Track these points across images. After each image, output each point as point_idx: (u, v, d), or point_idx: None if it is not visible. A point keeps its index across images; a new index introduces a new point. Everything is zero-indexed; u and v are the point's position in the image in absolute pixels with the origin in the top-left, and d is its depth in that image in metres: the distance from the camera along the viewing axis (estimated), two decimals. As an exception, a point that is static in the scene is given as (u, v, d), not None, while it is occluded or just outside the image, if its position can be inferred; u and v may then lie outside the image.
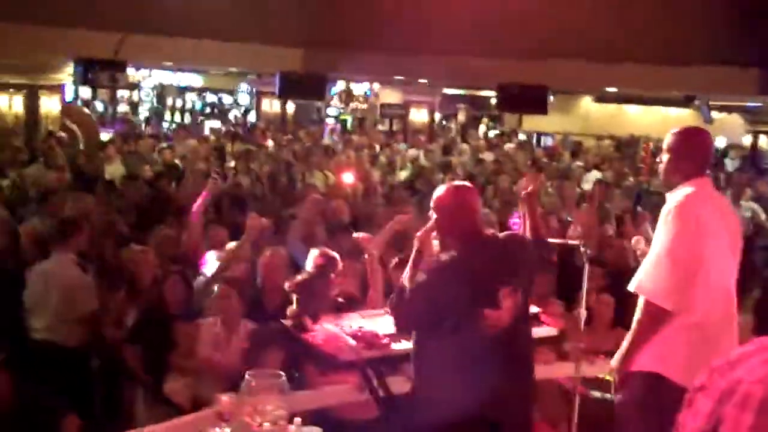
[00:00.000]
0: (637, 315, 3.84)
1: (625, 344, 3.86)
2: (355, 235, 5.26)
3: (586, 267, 4.51)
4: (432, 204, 3.72)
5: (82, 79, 11.96)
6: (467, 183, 4.02)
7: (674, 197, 3.86)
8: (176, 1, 11.35)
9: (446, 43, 11.62)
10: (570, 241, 5.60)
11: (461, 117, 25.20)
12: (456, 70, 13.01)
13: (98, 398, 6.27)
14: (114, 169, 11.06)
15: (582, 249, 4.48)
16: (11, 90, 13.83)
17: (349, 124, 24.79)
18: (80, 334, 6.11)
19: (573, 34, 11.30)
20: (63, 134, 13.55)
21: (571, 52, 11.45)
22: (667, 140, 4.04)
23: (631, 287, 3.88)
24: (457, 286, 3.53)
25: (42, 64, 13.45)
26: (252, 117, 24.79)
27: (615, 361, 3.90)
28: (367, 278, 5.24)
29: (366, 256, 5.15)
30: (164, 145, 14.15)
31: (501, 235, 3.90)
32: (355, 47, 11.71)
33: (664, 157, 4.01)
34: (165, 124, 23.01)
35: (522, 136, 20.76)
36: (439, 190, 3.77)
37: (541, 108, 11.94)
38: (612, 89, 16.72)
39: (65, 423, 4.48)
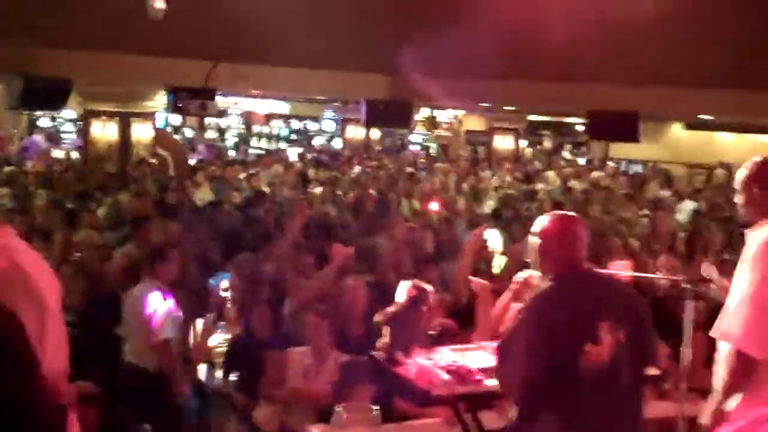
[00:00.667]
0: (726, 364, 3.60)
1: (714, 398, 3.64)
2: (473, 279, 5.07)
3: (689, 303, 4.30)
4: (536, 232, 3.60)
5: (173, 107, 12.22)
6: (572, 213, 3.88)
7: (759, 235, 3.58)
8: (264, 30, 11.50)
9: (534, 68, 11.49)
10: (673, 277, 5.36)
11: (547, 144, 24.91)
12: (544, 96, 12.84)
13: (186, 424, 6.31)
14: (203, 195, 11.23)
15: (684, 285, 4.28)
16: (104, 117, 14.22)
17: (433, 151, 24.77)
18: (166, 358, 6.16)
19: (665, 59, 11.04)
20: (154, 160, 13.88)
21: (664, 78, 11.17)
22: (749, 170, 3.71)
23: (715, 333, 3.65)
24: (555, 318, 3.40)
25: (135, 92, 13.81)
26: (336, 143, 24.99)
27: (705, 417, 3.67)
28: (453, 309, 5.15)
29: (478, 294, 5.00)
30: (251, 171, 14.35)
31: (604, 272, 3.77)
32: (441, 74, 11.66)
33: (745, 189, 3.71)
34: (251, 151, 23.36)
35: (609, 164, 20.37)
36: (544, 219, 3.65)
37: (632, 135, 11.65)
38: (705, 116, 16.27)
39: None
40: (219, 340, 6.34)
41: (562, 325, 3.40)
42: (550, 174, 16.89)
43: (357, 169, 16.20)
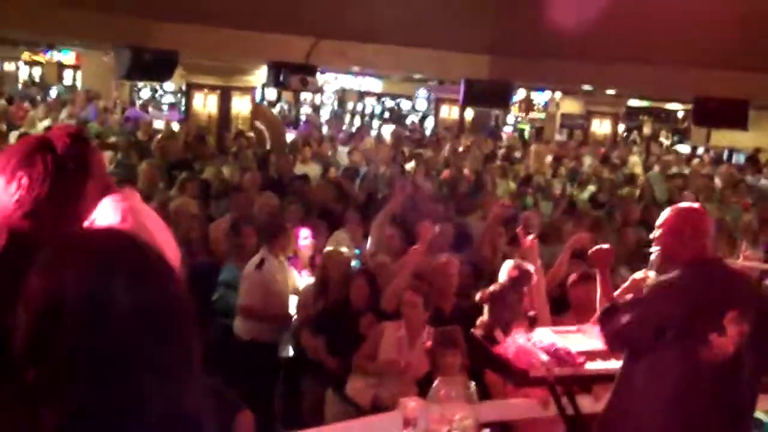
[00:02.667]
0: None
1: None
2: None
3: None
4: (660, 225, 3.57)
5: (273, 82, 12.39)
6: (696, 205, 3.85)
7: None
8: (366, 8, 11.54)
9: (637, 51, 11.19)
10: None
11: (646, 130, 24.37)
12: (647, 80, 12.51)
13: (279, 393, 6.46)
14: (307, 170, 11.40)
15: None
16: (206, 90, 14.54)
17: (526, 134, 24.52)
18: (271, 330, 6.32)
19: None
20: (252, 134, 14.13)
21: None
22: None
23: None
24: (678, 305, 3.35)
25: (236, 67, 14.05)
26: (429, 123, 24.97)
27: None
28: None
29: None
30: (348, 147, 14.48)
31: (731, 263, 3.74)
32: (542, 54, 11.48)
33: None
34: (344, 127, 23.58)
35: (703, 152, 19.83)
36: (669, 212, 3.61)
37: (741, 123, 11.24)
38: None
39: (239, 418, 4.56)
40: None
41: (683, 312, 3.37)
42: (633, 158, 16.59)
43: (448, 148, 16.15)
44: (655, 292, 3.52)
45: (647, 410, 3.40)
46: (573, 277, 5.37)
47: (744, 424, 3.49)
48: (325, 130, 19.36)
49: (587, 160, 15.67)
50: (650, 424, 3.41)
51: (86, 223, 2.50)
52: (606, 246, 4.05)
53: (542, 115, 24.87)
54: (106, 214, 2.52)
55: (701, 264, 3.48)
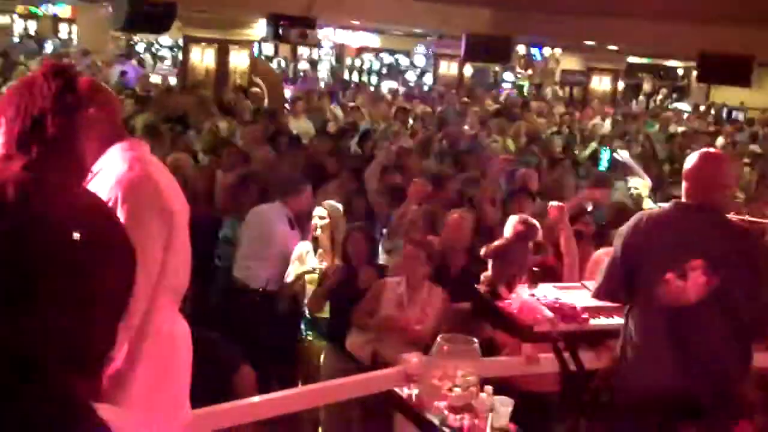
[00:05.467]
0: None
1: None
2: (550, 204, 5.06)
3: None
4: (685, 171, 3.57)
5: (272, 35, 12.24)
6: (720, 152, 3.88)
7: None
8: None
9: (639, 6, 11.04)
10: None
11: (647, 87, 24.20)
12: (648, 36, 12.37)
13: (278, 345, 6.43)
14: (299, 125, 11.28)
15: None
16: (203, 44, 14.36)
17: (525, 91, 24.34)
18: (272, 278, 6.27)
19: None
20: (250, 89, 13.99)
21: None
22: None
23: None
24: (645, 237, 3.50)
25: (234, 20, 13.87)
26: (428, 79, 24.78)
27: None
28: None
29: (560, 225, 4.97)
30: (351, 103, 14.33)
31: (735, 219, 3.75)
32: (544, 9, 11.32)
33: None
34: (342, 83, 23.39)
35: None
36: (692, 158, 3.59)
37: (744, 80, 11.14)
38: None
39: (239, 374, 4.55)
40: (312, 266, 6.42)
41: (645, 248, 3.50)
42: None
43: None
44: (623, 232, 3.66)
45: (644, 357, 3.47)
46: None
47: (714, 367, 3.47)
48: (323, 86, 19.21)
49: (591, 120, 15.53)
50: (648, 369, 3.46)
51: (92, 171, 2.44)
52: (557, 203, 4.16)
53: (541, 72, 24.69)
54: (113, 162, 2.47)
55: (688, 206, 3.52)
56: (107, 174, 2.42)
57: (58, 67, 2.37)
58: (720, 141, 13.77)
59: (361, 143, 10.18)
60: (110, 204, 2.31)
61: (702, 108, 20.68)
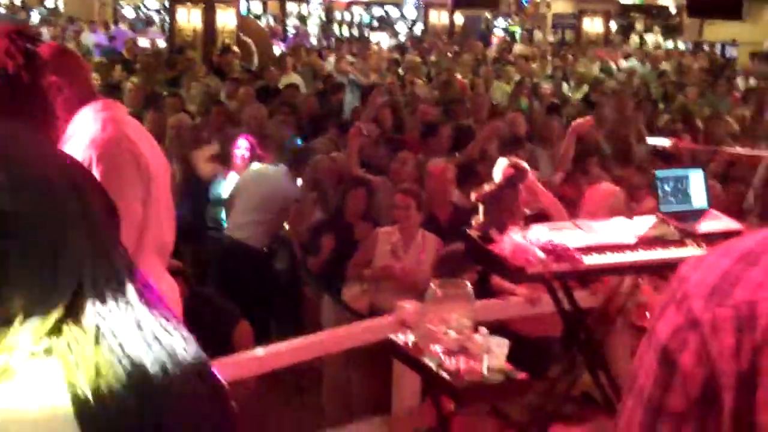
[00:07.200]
0: None
1: None
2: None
3: None
4: None
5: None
6: None
7: None
8: None
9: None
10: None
11: (639, 26, 23.99)
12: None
13: (278, 301, 6.48)
14: (289, 81, 11.19)
15: None
16: (189, 4, 14.22)
17: (517, 36, 24.14)
18: (269, 236, 6.27)
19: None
20: (237, 49, 13.85)
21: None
22: None
23: None
24: None
25: (219, -21, 13.74)
26: (418, 29, 24.57)
27: None
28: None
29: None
30: (349, 58, 14.16)
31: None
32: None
33: None
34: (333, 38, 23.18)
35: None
36: None
37: (735, 13, 11.01)
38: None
39: (237, 330, 4.58)
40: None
41: None
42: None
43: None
44: None
45: None
46: (559, 176, 5.40)
47: None
48: (314, 41, 19.03)
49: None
50: None
51: (65, 133, 2.44)
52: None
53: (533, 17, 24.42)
54: (86, 123, 2.46)
55: None
56: (81, 136, 2.42)
57: (17, 31, 2.36)
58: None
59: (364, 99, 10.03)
60: (85, 165, 2.30)
61: (690, 45, 20.48)
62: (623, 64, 15.54)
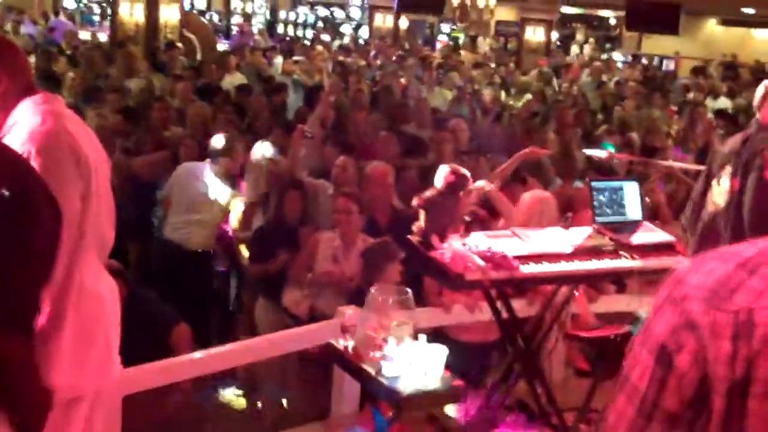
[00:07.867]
0: None
1: None
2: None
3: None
4: None
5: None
6: None
7: None
8: None
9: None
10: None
11: (579, 37, 24.39)
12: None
13: (216, 303, 6.44)
14: (232, 80, 11.12)
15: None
16: (131, -2, 14.01)
17: (461, 42, 24.32)
18: (205, 237, 6.22)
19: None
20: (180, 45, 13.70)
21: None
22: None
23: None
24: None
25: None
26: (363, 32, 24.59)
27: None
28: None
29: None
30: (295, 58, 14.09)
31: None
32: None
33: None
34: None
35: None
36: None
37: (672, 27, 11.29)
38: (748, 10, 15.74)
39: (175, 332, 4.55)
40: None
41: None
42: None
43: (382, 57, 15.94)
44: None
45: None
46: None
47: None
48: (260, 41, 18.89)
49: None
50: None
51: (5, 126, 2.41)
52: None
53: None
54: (25, 116, 2.43)
55: None
56: (20, 128, 2.38)
57: None
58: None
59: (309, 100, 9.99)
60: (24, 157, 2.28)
61: (630, 58, 20.90)
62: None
